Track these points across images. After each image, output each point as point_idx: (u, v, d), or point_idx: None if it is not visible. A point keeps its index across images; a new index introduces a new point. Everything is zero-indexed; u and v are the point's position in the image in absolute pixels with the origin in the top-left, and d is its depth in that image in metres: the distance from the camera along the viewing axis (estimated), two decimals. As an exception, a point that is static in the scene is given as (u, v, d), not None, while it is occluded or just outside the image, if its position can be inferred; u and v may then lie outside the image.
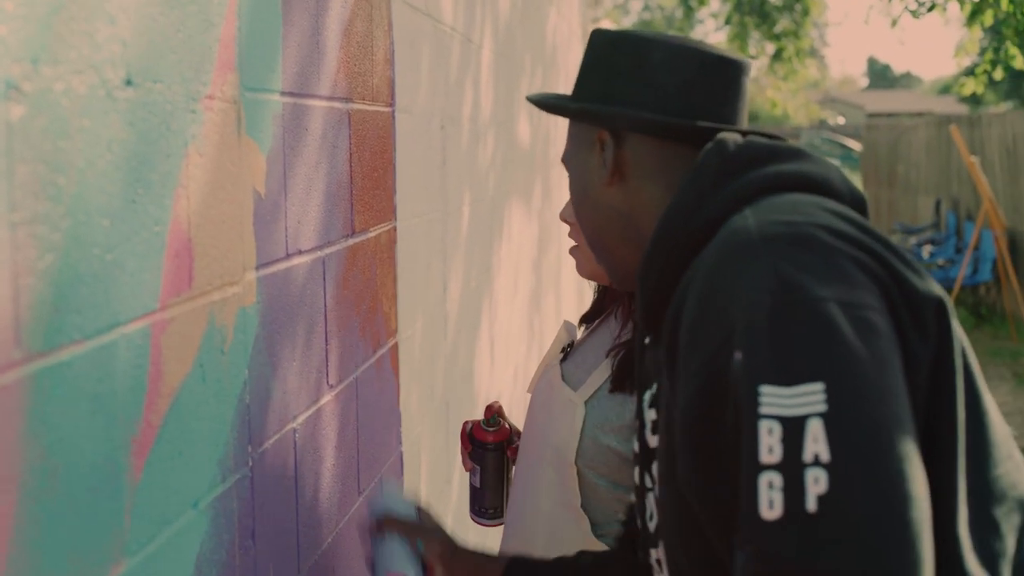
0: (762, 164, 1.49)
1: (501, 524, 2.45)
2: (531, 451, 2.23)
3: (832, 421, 1.18)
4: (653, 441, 1.58)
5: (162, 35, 1.38)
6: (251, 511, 1.71)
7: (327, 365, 2.10)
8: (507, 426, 2.44)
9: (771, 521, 1.18)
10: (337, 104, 2.16)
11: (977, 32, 9.33)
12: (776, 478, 1.18)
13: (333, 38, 2.14)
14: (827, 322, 1.23)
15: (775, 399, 1.21)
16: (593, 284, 2.34)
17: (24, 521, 1.08)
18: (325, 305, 2.09)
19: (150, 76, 1.35)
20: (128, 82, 1.29)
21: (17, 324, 1.06)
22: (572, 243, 2.19)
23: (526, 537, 2.20)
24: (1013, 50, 9.23)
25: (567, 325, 2.38)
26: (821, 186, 1.48)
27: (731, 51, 1.72)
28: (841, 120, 41.24)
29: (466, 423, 2.47)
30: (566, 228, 2.18)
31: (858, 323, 1.24)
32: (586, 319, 2.36)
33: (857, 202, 1.51)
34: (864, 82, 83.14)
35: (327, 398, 2.10)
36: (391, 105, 2.62)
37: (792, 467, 1.18)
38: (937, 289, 1.35)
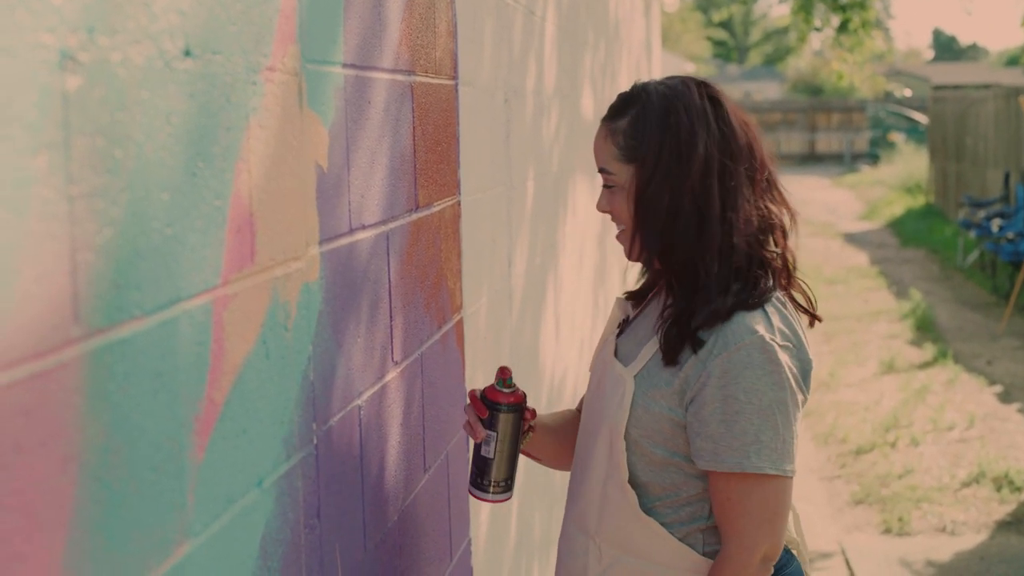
0: None
1: (503, 500, 2.29)
2: (589, 428, 2.21)
3: None
4: None
5: (221, 5, 1.35)
6: (316, 489, 1.68)
7: (392, 341, 2.07)
8: (521, 391, 2.26)
9: None
10: (400, 77, 2.13)
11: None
12: None
13: (395, 10, 2.10)
14: None
15: None
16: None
17: (86, 501, 1.06)
18: (389, 280, 2.06)
19: (209, 47, 1.32)
20: (187, 53, 1.26)
21: (76, 300, 1.04)
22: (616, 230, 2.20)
23: (579, 515, 2.20)
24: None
25: (620, 302, 2.34)
26: None
27: None
28: (908, 92, 40.64)
29: (473, 391, 2.30)
30: None
31: None
32: (633, 297, 2.33)
33: None
34: (930, 54, 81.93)
35: (392, 375, 2.08)
36: (454, 78, 2.59)
37: None
38: None
